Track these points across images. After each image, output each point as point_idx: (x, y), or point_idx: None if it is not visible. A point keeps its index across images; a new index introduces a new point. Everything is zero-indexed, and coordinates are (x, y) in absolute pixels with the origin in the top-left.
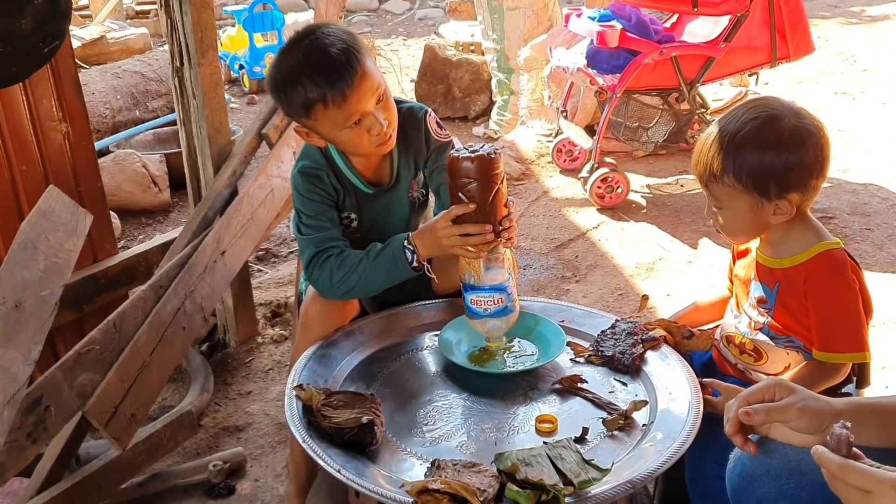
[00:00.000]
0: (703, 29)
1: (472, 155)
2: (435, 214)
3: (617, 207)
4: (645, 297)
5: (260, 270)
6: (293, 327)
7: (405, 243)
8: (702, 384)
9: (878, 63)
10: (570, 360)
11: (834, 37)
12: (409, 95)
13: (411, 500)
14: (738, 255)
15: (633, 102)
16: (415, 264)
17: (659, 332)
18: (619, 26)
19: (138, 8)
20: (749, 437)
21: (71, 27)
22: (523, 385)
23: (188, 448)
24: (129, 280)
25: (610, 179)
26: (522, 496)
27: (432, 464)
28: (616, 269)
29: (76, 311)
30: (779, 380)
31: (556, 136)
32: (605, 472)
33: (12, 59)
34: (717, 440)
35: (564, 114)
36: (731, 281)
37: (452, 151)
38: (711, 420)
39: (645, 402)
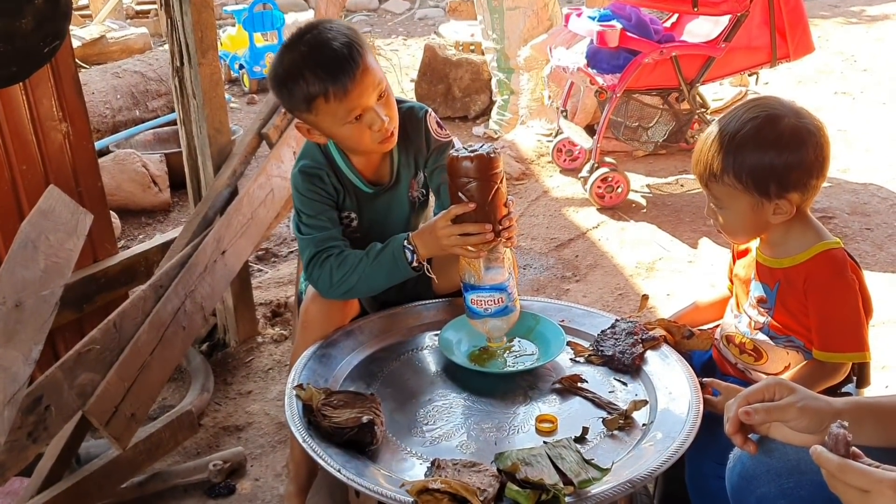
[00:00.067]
0: (703, 29)
1: (472, 154)
2: (435, 214)
3: (617, 207)
4: (645, 297)
5: (260, 270)
6: (293, 327)
7: (405, 243)
8: (702, 384)
9: (878, 63)
10: (570, 359)
11: (834, 36)
12: (410, 95)
13: (411, 499)
14: (738, 255)
15: (633, 102)
16: (415, 264)
17: (659, 332)
18: (619, 26)
19: (138, 8)
20: (749, 436)
21: (71, 27)
22: (523, 385)
23: (188, 448)
24: (130, 280)
25: (610, 179)
26: (522, 496)
27: (432, 463)
28: (616, 269)
29: (76, 311)
30: (779, 379)
31: (556, 135)
32: (605, 471)
33: (12, 59)
34: (717, 440)
35: (564, 113)
36: (731, 281)
37: (452, 151)
38: (711, 420)
39: (645, 402)
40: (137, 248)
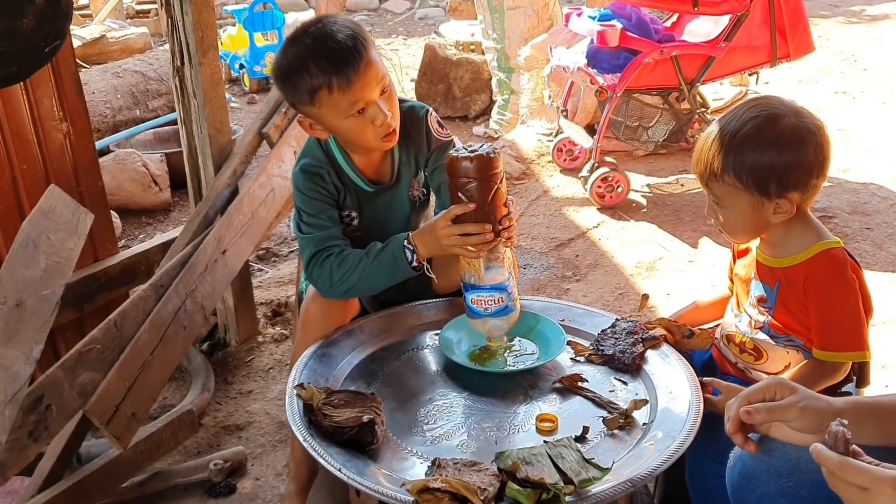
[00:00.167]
0: (703, 28)
1: (472, 154)
2: (435, 214)
3: (617, 207)
4: (645, 297)
5: (261, 270)
6: (294, 326)
7: (405, 243)
8: (702, 383)
9: (878, 62)
10: (571, 359)
11: (834, 36)
12: (410, 95)
13: (412, 498)
14: (739, 255)
15: (633, 102)
16: (414, 264)
17: (659, 331)
18: (619, 26)
19: (138, 7)
20: (749, 436)
21: (71, 26)
22: (524, 384)
23: (189, 447)
24: (130, 279)
25: (610, 179)
26: (523, 495)
27: (433, 463)
28: (616, 269)
29: (77, 311)
30: (780, 379)
31: (556, 135)
32: (605, 470)
33: (13, 59)
34: (718, 439)
35: (565, 113)
36: (732, 280)
37: (452, 151)
38: (711, 419)
39: (645, 401)
40: (138, 248)
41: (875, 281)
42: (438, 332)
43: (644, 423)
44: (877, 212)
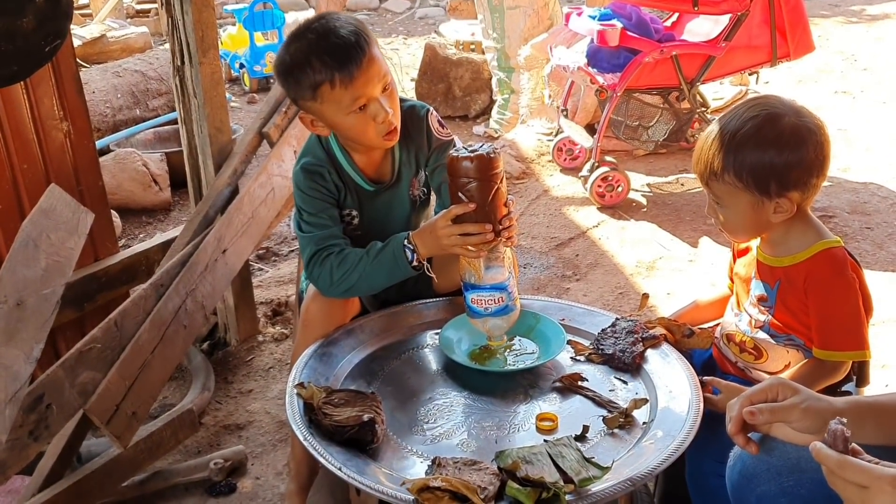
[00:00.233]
0: (703, 28)
1: (472, 154)
2: (436, 213)
3: (617, 206)
4: (645, 296)
5: (261, 269)
6: (294, 326)
7: (405, 242)
8: (702, 382)
9: (878, 62)
10: (571, 358)
11: (834, 36)
12: (410, 94)
13: (412, 497)
14: (739, 254)
15: (633, 101)
16: (415, 263)
17: (659, 331)
18: (619, 25)
19: (138, 7)
20: (749, 435)
21: (72, 26)
22: (524, 383)
23: (189, 446)
24: (130, 279)
25: (610, 178)
26: (523, 494)
27: (433, 462)
28: (616, 268)
29: (77, 310)
30: (782, 379)
31: (556, 134)
32: (605, 469)
33: (14, 58)
34: (718, 438)
35: (565, 113)
36: (732, 279)
37: (452, 151)
38: (712, 418)
39: (645, 401)
40: (138, 247)
41: (875, 280)
42: (439, 331)
43: (644, 423)
44: (877, 211)
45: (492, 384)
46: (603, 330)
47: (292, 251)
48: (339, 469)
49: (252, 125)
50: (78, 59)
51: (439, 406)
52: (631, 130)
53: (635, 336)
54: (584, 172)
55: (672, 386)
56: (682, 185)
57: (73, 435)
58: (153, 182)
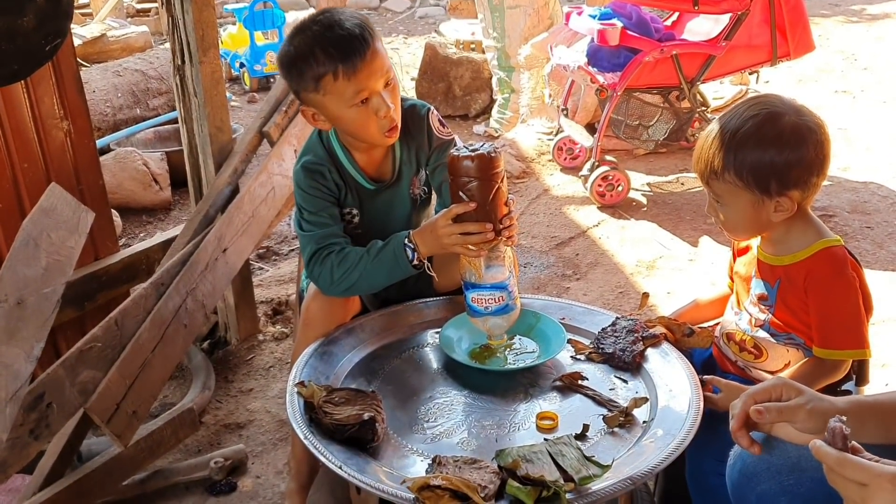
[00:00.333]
0: (703, 27)
1: (473, 154)
2: (436, 212)
3: (617, 205)
4: (645, 295)
5: (261, 268)
6: (294, 325)
7: (405, 241)
8: (702, 381)
9: (878, 61)
10: (571, 357)
11: (834, 35)
12: (410, 94)
13: (412, 496)
14: (739, 253)
15: (633, 100)
16: (415, 262)
17: (659, 330)
18: (619, 24)
19: (139, 6)
20: (752, 435)
21: (72, 25)
22: (524, 382)
23: (189, 445)
24: (131, 278)
25: (610, 177)
26: (523, 492)
27: (433, 460)
28: (616, 267)
29: (78, 309)
30: (785, 380)
31: (556, 134)
32: (605, 468)
33: (14, 57)
34: (718, 437)
35: (565, 112)
36: (732, 278)
37: (453, 150)
38: (712, 417)
39: (645, 399)
40: (139, 247)
41: (875, 280)
42: (439, 330)
43: (644, 421)
44: (877, 210)
45: (492, 383)
46: (603, 329)
47: (293, 250)
48: (340, 467)
49: (252, 124)
50: (78, 59)
51: (440, 405)
52: (631, 130)
53: (635, 335)
54: (585, 172)
55: (672, 385)
56: (683, 184)
57: (73, 434)
58: (153, 181)
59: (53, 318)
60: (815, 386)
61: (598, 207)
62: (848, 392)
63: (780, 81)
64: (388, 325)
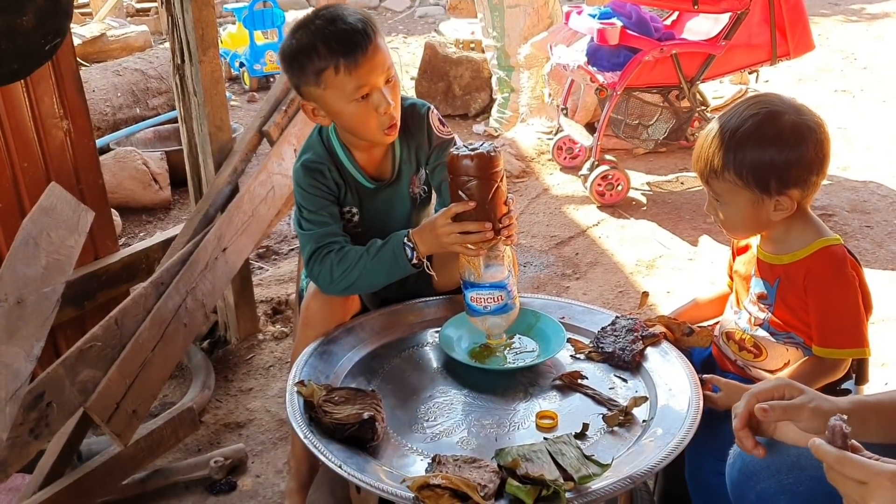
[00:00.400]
0: (703, 26)
1: (472, 153)
2: (436, 212)
3: (617, 205)
4: (645, 294)
5: (261, 268)
6: (294, 324)
7: (405, 240)
8: (701, 380)
9: (877, 61)
10: (571, 356)
11: (834, 34)
12: (410, 93)
13: (412, 495)
14: (738, 252)
15: (633, 100)
16: (414, 261)
17: (659, 329)
18: (619, 24)
19: (138, 6)
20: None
21: (71, 25)
22: (524, 381)
23: (189, 444)
24: (131, 277)
25: (610, 177)
26: (523, 491)
27: (433, 459)
28: (616, 267)
29: (77, 308)
30: (787, 380)
31: (556, 133)
32: (605, 467)
33: (14, 57)
34: (717, 436)
35: (565, 111)
36: (731, 277)
37: (452, 149)
38: (711, 416)
39: (645, 399)
40: (138, 246)
41: (874, 279)
42: (439, 329)
43: (644, 420)
44: (876, 210)
45: (492, 382)
46: (603, 328)
47: (292, 249)
48: (340, 467)
49: (252, 124)
50: (78, 58)
51: (439, 404)
52: (631, 129)
53: (635, 334)
54: (584, 171)
55: (672, 384)
56: (682, 183)
57: (73, 433)
58: (153, 181)
59: (53, 317)
60: (814, 385)
61: (597, 207)
62: (847, 391)
63: (780, 81)
64: (388, 324)
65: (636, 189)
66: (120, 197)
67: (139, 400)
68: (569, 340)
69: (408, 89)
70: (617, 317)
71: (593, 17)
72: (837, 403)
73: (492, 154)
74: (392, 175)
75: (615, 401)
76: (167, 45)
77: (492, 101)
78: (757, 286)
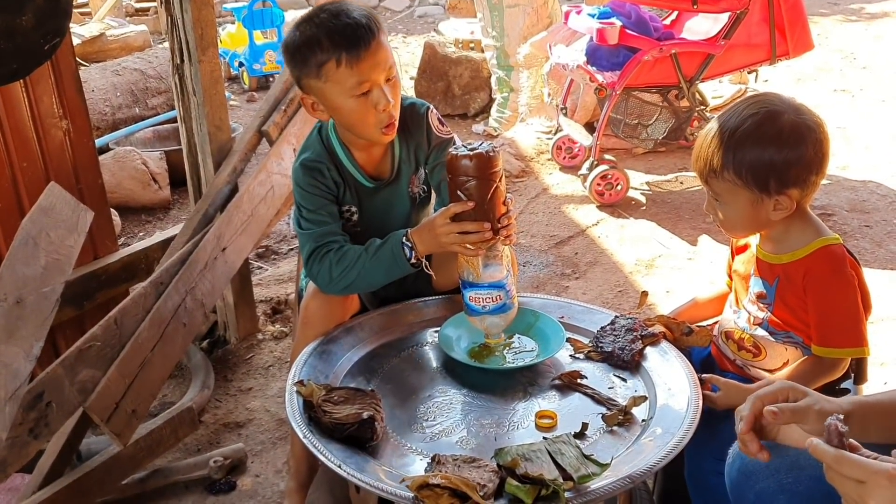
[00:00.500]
0: (702, 26)
1: (471, 153)
2: (435, 211)
3: (616, 204)
4: (644, 294)
5: (260, 267)
6: (293, 324)
7: (403, 239)
8: (701, 380)
9: (877, 60)
10: (570, 356)
11: (833, 34)
12: (409, 93)
13: (411, 494)
14: (738, 251)
15: (632, 99)
16: (413, 261)
17: (658, 329)
18: (618, 23)
19: (137, 5)
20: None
21: (71, 24)
22: (523, 381)
23: (189, 444)
24: (130, 277)
25: (609, 176)
26: (522, 491)
27: (432, 459)
28: (615, 266)
29: (77, 308)
30: (790, 383)
31: (555, 133)
32: (604, 466)
33: (13, 56)
34: (717, 436)
35: (564, 111)
36: (731, 276)
37: (451, 149)
38: (710, 416)
39: (644, 398)
40: (138, 246)
41: (874, 278)
42: (438, 329)
43: (643, 420)
44: (876, 209)
45: (491, 382)
46: (602, 328)
47: (292, 249)
48: (339, 466)
49: (251, 123)
50: (77, 58)
51: (439, 404)
52: (630, 129)
53: (634, 334)
54: (584, 171)
55: (671, 383)
56: (682, 183)
57: (72, 433)
58: (152, 180)
59: (53, 317)
60: (813, 384)
61: (597, 206)
62: (846, 390)
63: (779, 80)
64: (387, 323)
65: (635, 189)
66: (119, 197)
67: (138, 400)
68: (568, 340)
69: (407, 89)
70: (616, 316)
71: (592, 16)
72: (840, 405)
73: (491, 154)
74: (391, 174)
75: (614, 400)
76: (166, 44)
77: (491, 100)
78: (756, 285)
